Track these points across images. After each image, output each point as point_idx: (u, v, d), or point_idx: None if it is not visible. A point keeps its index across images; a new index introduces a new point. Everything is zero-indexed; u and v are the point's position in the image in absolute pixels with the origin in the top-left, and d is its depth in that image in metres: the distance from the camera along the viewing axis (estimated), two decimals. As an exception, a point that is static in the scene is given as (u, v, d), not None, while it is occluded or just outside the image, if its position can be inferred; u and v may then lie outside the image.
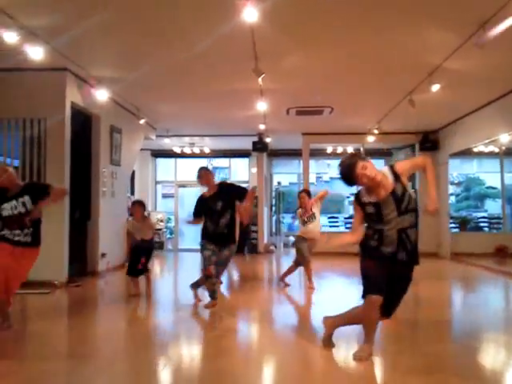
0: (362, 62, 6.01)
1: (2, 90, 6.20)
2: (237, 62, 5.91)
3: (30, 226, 3.99)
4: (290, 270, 6.37)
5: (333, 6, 4.45)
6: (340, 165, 3.13)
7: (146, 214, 5.94)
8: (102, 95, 6.77)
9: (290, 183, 15.59)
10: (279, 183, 14.10)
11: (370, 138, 10.21)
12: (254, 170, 12.42)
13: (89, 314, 4.90)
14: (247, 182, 12.63)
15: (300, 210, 6.25)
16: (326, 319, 3.44)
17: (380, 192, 3.02)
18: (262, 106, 7.65)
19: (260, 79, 5.88)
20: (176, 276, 8.89)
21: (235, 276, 8.03)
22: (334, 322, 3.37)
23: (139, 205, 5.73)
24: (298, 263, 6.26)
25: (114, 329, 4.26)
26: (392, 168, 3.12)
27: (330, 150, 12.44)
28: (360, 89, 7.30)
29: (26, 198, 3.96)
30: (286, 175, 15.04)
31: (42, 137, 6.29)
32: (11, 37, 4.60)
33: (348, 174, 3.05)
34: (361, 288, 3.09)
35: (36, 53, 5.01)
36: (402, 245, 2.98)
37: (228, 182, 5.06)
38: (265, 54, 5.50)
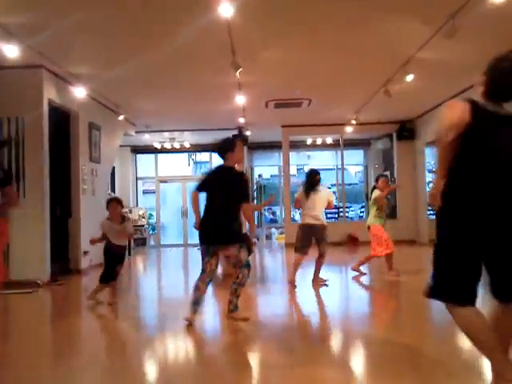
0: (338, 53, 6.11)
1: (-23, 90, 6.13)
2: (215, 57, 5.95)
3: None
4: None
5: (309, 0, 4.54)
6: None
7: (124, 213, 5.28)
8: (79, 92, 6.73)
9: (271, 175, 15.70)
10: (260, 176, 14.19)
11: (349, 129, 10.37)
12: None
13: (72, 313, 4.90)
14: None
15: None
16: None
17: None
18: (240, 99, 7.70)
19: (238, 73, 5.93)
20: (160, 272, 8.91)
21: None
22: None
23: (116, 202, 4.92)
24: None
25: (98, 327, 4.29)
26: None
27: (309, 141, 12.57)
28: (337, 80, 7.41)
29: None
30: (266, 168, 15.14)
31: (20, 136, 6.24)
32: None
33: None
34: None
35: (11, 51, 4.98)
36: None
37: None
38: (242, 49, 5.55)
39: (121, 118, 8.67)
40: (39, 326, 4.34)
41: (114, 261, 4.88)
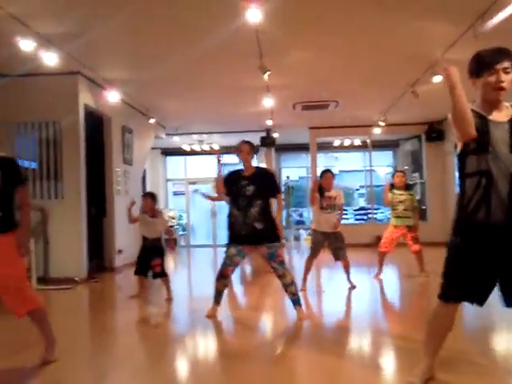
0: (365, 55, 6.16)
1: (19, 95, 6.45)
2: (243, 60, 6.09)
3: None
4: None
5: (334, 1, 4.62)
6: None
7: (158, 209, 5.44)
8: (113, 97, 6.99)
9: (299, 177, 15.72)
10: (288, 177, 14.25)
11: (377, 130, 10.35)
12: (263, 165, 12.59)
13: (107, 308, 5.15)
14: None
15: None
16: None
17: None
18: (268, 102, 7.82)
19: (265, 76, 6.05)
20: (190, 272, 9.10)
21: (248, 270, 8.20)
22: None
23: (148, 196, 5.25)
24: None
25: (132, 322, 4.47)
26: None
27: (337, 143, 12.57)
28: (364, 82, 7.44)
29: None
30: (294, 169, 15.19)
31: (57, 139, 6.54)
32: (27, 44, 4.83)
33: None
34: None
35: (50, 58, 5.23)
36: None
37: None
38: (270, 51, 5.65)
39: (151, 121, 8.92)
40: (77, 319, 4.57)
41: (146, 253, 5.09)
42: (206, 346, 3.62)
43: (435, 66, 6.11)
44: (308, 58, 6.22)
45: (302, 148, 12.47)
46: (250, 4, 4.22)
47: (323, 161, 13.78)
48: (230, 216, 4.13)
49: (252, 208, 3.98)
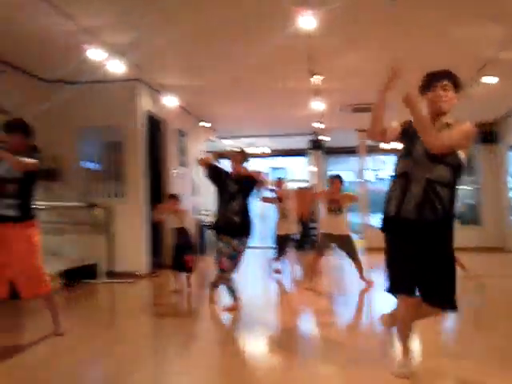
0: (416, 57, 6.16)
1: (85, 101, 6.94)
2: (294, 64, 6.26)
3: (15, 196, 3.31)
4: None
5: (384, 5, 4.73)
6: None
7: (180, 208, 5.82)
8: (170, 101, 7.38)
9: (347, 182, 15.67)
10: (336, 181, 14.23)
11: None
12: (311, 168, 12.72)
13: (166, 301, 5.49)
14: (305, 181, 12.94)
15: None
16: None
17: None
18: (318, 105, 7.96)
19: (316, 79, 6.22)
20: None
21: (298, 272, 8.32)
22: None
23: (173, 198, 5.80)
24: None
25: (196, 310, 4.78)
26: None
27: (386, 146, 12.46)
28: (414, 84, 7.43)
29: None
30: (342, 173, 15.14)
31: (119, 142, 6.99)
32: (96, 54, 5.25)
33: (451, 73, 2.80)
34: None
35: (116, 66, 5.65)
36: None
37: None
38: (320, 54, 5.80)
39: (204, 124, 9.29)
40: (139, 311, 4.93)
41: (178, 247, 5.55)
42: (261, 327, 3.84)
43: (487, 66, 6.07)
44: (358, 59, 6.29)
45: (351, 151, 12.49)
46: (303, 10, 4.42)
47: (372, 164, 13.69)
48: (217, 213, 4.67)
49: (234, 202, 4.48)
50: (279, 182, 7.30)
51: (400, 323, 2.75)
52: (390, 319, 3.04)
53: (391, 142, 2.85)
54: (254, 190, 4.69)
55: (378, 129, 2.77)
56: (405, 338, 2.71)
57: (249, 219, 4.57)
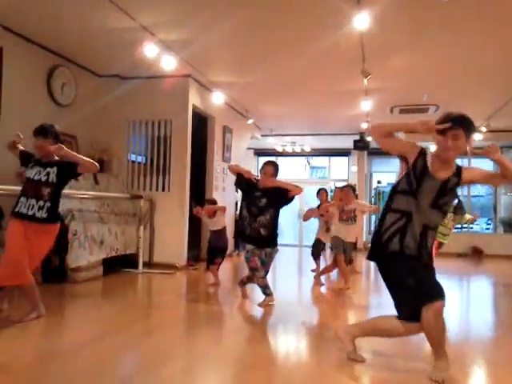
0: (469, 57, 5.97)
1: (137, 96, 7.12)
2: (344, 64, 6.20)
3: (47, 199, 3.61)
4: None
5: (438, 5, 4.59)
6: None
7: (215, 207, 5.98)
8: (217, 98, 7.45)
9: (387, 184, 15.38)
10: (379, 182, 14.04)
11: (478, 136, 9.89)
12: (354, 168, 12.57)
13: (203, 293, 5.58)
14: (345, 181, 12.80)
15: None
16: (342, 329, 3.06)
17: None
18: (366, 105, 7.83)
19: (366, 80, 6.12)
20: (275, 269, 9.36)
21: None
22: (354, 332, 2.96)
23: (208, 203, 6.05)
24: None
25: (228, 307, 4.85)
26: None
27: (432, 148, 12.15)
28: (467, 86, 7.22)
29: (53, 169, 3.66)
30: (385, 174, 14.91)
31: (167, 136, 7.12)
32: (152, 50, 5.37)
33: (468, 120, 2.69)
34: None
35: (169, 63, 5.76)
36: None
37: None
38: (372, 55, 5.72)
39: (249, 121, 9.32)
40: (177, 301, 5.04)
41: (212, 248, 5.79)
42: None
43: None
44: (409, 59, 6.15)
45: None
46: (358, 10, 4.36)
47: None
48: (241, 223, 4.72)
49: (262, 217, 4.48)
50: (322, 193, 7.10)
51: (435, 331, 2.60)
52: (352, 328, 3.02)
53: (389, 150, 2.83)
54: (285, 201, 4.60)
55: (384, 131, 2.79)
56: (442, 342, 2.65)
57: (276, 232, 4.60)
